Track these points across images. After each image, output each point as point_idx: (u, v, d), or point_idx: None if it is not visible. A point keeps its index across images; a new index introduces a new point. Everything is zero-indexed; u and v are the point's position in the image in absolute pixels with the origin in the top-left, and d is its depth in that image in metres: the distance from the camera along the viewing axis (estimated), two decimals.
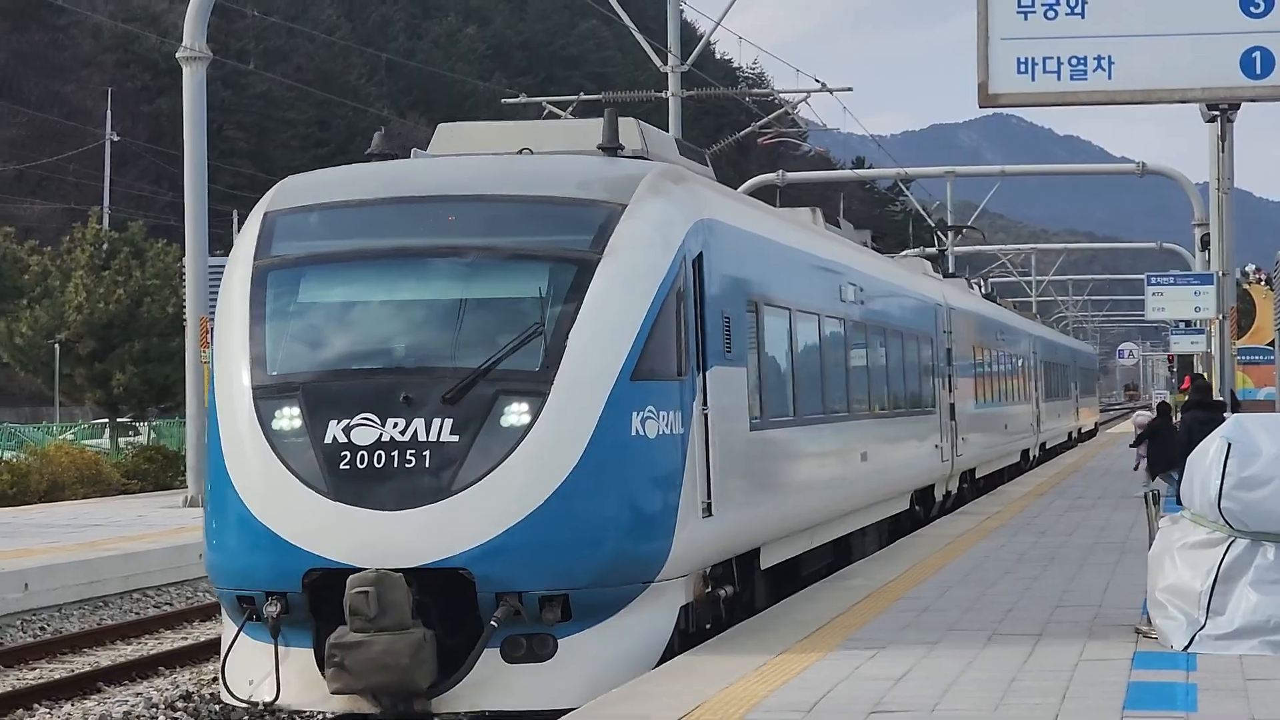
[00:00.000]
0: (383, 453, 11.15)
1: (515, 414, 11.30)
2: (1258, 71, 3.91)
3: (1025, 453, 44.14)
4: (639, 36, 29.26)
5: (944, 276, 37.14)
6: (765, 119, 44.57)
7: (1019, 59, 4.42)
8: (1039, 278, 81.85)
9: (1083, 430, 68.13)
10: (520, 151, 14.55)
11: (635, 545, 11.80)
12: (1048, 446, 51.06)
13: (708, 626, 13.88)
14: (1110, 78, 4.40)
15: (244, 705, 12.82)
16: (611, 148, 14.21)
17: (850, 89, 41.88)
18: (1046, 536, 23.97)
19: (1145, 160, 50.18)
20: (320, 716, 13.12)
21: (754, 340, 16.01)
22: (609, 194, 12.73)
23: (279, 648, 11.43)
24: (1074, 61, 4.42)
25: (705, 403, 13.21)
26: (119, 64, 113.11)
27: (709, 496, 13.12)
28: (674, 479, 12.33)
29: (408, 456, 11.14)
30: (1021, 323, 48.59)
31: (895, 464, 25.10)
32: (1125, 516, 25.94)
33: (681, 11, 29.91)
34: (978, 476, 34.03)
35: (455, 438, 11.17)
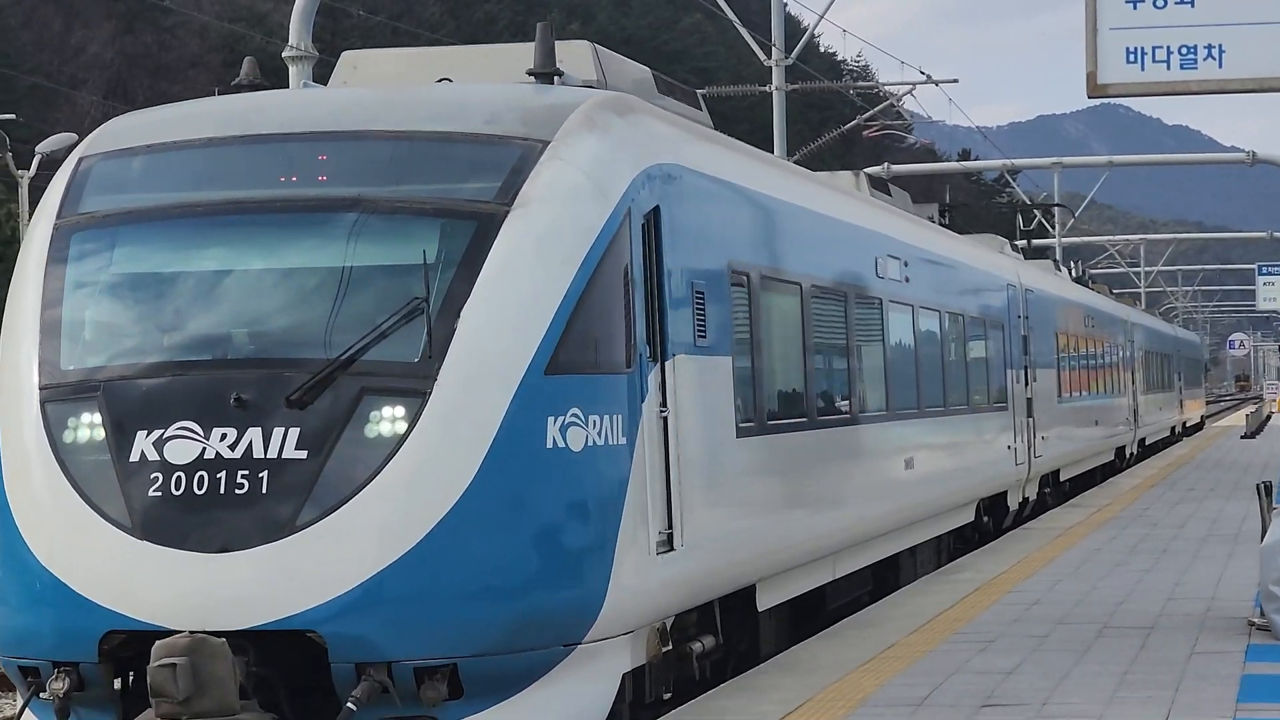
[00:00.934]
0: (205, 474, 8.56)
1: (385, 421, 8.76)
2: None
3: (1121, 450, 42.74)
4: (742, 30, 29.29)
5: (1025, 258, 35.22)
6: (870, 112, 44.76)
7: (1128, 48, 4.91)
8: (1148, 268, 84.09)
9: (1187, 424, 67.56)
10: (439, 83, 11.84)
11: (551, 596, 9.12)
12: (1147, 443, 50.39)
13: (666, 696, 11.23)
14: (1221, 66, 4.89)
15: None
16: (546, 73, 11.06)
17: (956, 80, 42.95)
18: (1158, 529, 24.52)
19: (1255, 149, 52.21)
20: None
21: (744, 322, 13.13)
22: (527, 128, 10.00)
23: None
24: (1184, 50, 4.92)
25: (664, 403, 10.56)
26: (225, 64, 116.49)
27: (669, 525, 10.44)
28: (610, 505, 9.58)
29: (239, 480, 8.52)
30: (1116, 308, 47.62)
31: (952, 471, 21.78)
32: (1238, 508, 26.62)
33: (785, 5, 30.39)
34: (1063, 479, 32.34)
35: (303, 454, 8.61)
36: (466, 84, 11.76)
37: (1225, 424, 77.34)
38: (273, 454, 8.66)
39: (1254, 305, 36.20)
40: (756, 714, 11.04)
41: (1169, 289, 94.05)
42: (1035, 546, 22.08)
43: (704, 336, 11.75)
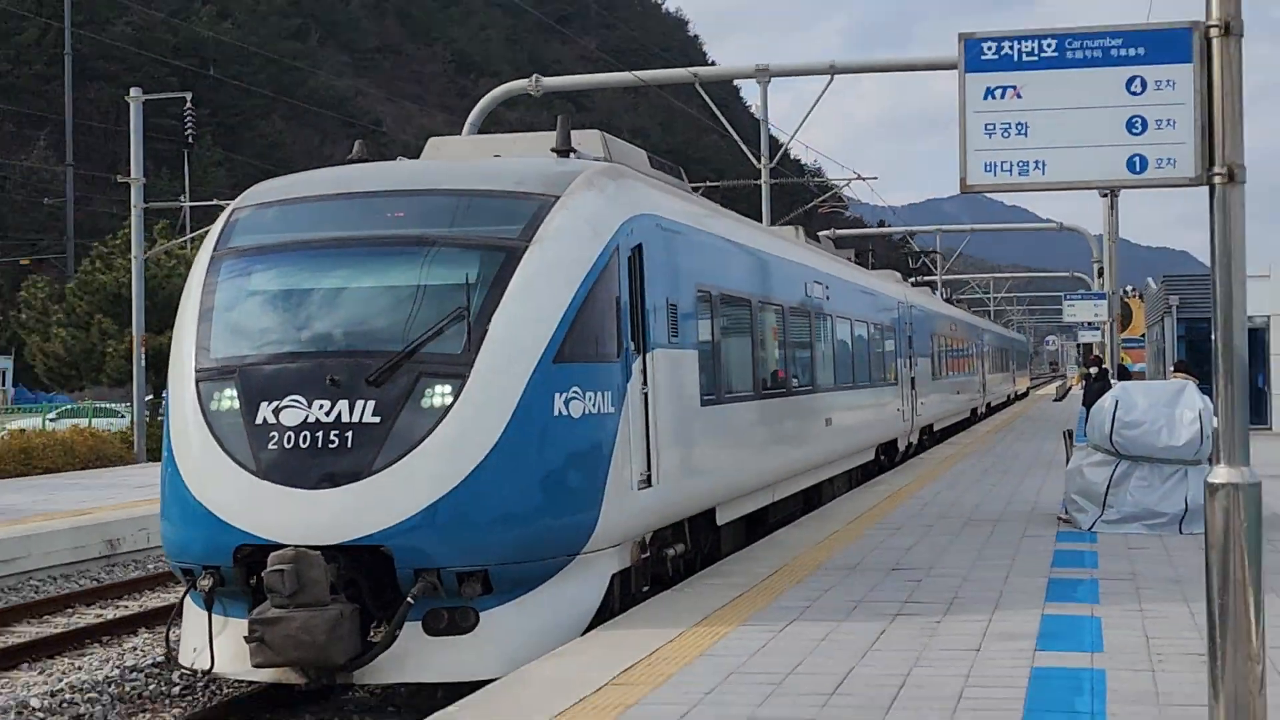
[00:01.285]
0: (308, 433, 10.30)
1: (436, 396, 10.43)
2: (1137, 170, 4.83)
3: (974, 410, 49.49)
4: (743, 146, 36.14)
5: (911, 284, 41.74)
6: (822, 196, 59.08)
7: (985, 163, 5.33)
8: (995, 294, 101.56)
9: (1017, 393, 78.17)
10: (492, 158, 14.04)
11: (557, 520, 10.80)
12: (992, 405, 57.39)
13: (645, 588, 12.77)
14: (1044, 174, 5.42)
15: (187, 672, 12.20)
16: (563, 150, 13.13)
17: (876, 177, 53.53)
18: (1000, 459, 28.55)
19: (1063, 221, 64.94)
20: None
21: (708, 325, 14.84)
22: (544, 187, 11.67)
23: (218, 618, 10.69)
24: (1020, 164, 5.37)
25: (645, 383, 12.16)
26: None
27: (648, 469, 12.04)
28: (601, 456, 11.26)
29: (331, 437, 10.26)
30: (972, 319, 55.50)
31: (858, 426, 24.67)
32: (1051, 445, 30.31)
33: (769, 129, 36.50)
34: (936, 430, 37.78)
35: (377, 419, 10.32)
36: (508, 158, 13.52)
37: (1042, 392, 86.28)
38: (355, 419, 10.29)
39: (1061, 318, 46.41)
40: (753, 574, 13.53)
41: (1008, 307, 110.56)
42: (924, 470, 25.77)
43: (676, 335, 13.20)
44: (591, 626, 10.95)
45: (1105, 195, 29.20)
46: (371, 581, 10.26)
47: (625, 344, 11.76)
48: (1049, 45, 5.84)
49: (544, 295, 10.99)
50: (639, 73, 36.29)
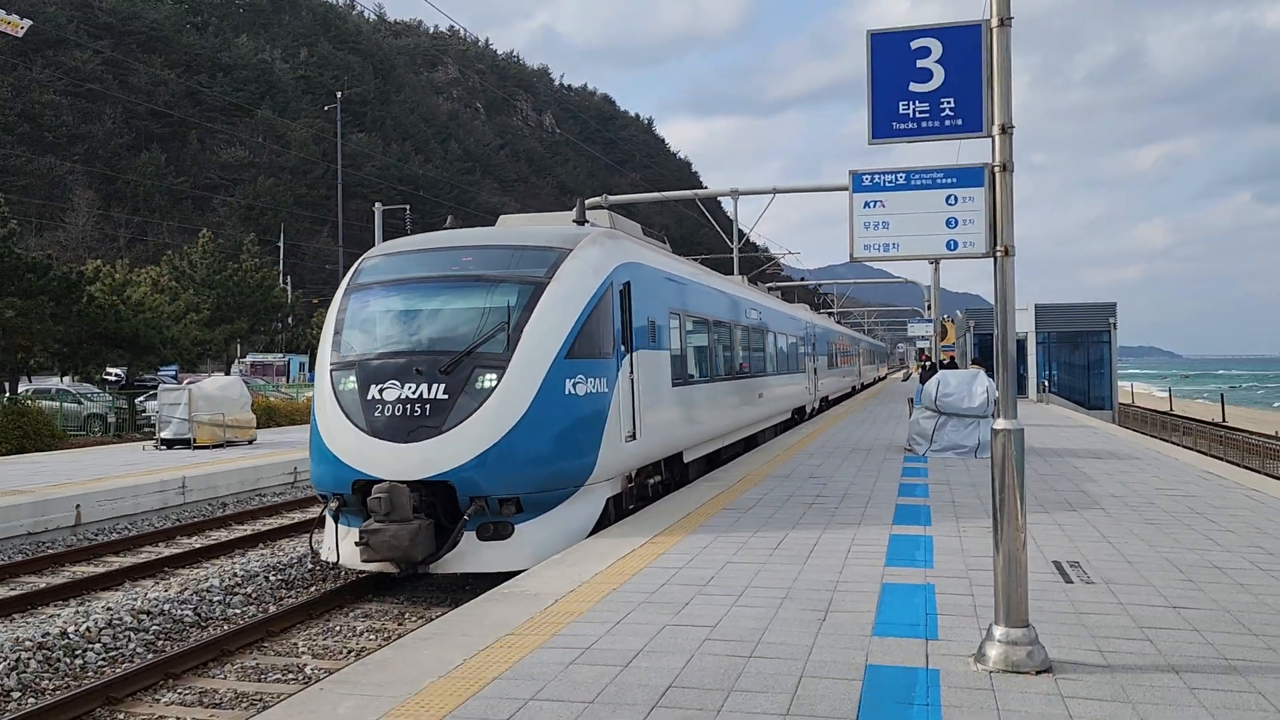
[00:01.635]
0: (401, 405, 9.36)
1: (485, 381, 9.42)
2: (953, 249, 4.73)
3: (854, 388, 48.04)
4: (722, 234, 35.06)
5: (816, 312, 40.45)
6: (768, 264, 60.96)
7: (864, 244, 5.16)
8: (868, 320, 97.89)
9: (880, 377, 76.02)
10: (532, 225, 12.85)
11: (567, 463, 9.72)
12: (865, 384, 55.92)
13: (630, 507, 11.43)
14: (898, 250, 5.24)
15: (325, 564, 11.19)
16: (580, 221, 12.06)
17: (799, 252, 57.72)
18: (869, 414, 27.27)
19: (906, 276, 63.55)
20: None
21: (677, 334, 13.47)
22: (563, 243, 10.61)
23: (341, 527, 9.86)
24: (883, 245, 5.22)
25: (632, 372, 10.97)
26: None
27: (633, 428, 10.90)
28: (598, 421, 10.12)
29: (416, 408, 9.32)
30: (853, 334, 53.40)
31: (781, 398, 22.85)
32: (900, 406, 30.19)
33: (738, 225, 34.48)
34: (830, 399, 35.68)
35: (446, 396, 9.34)
36: (545, 226, 12.20)
37: (895, 376, 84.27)
38: (432, 396, 9.28)
39: (906, 333, 48.59)
40: (726, 481, 13.17)
41: (876, 327, 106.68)
42: (824, 422, 24.48)
43: (654, 341, 12.00)
44: (593, 531, 9.97)
45: (932, 263, 28.66)
46: (445, 504, 9.32)
47: (617, 346, 10.63)
48: (901, 176, 5.79)
49: (559, 314, 9.91)
50: (664, 193, 36.46)
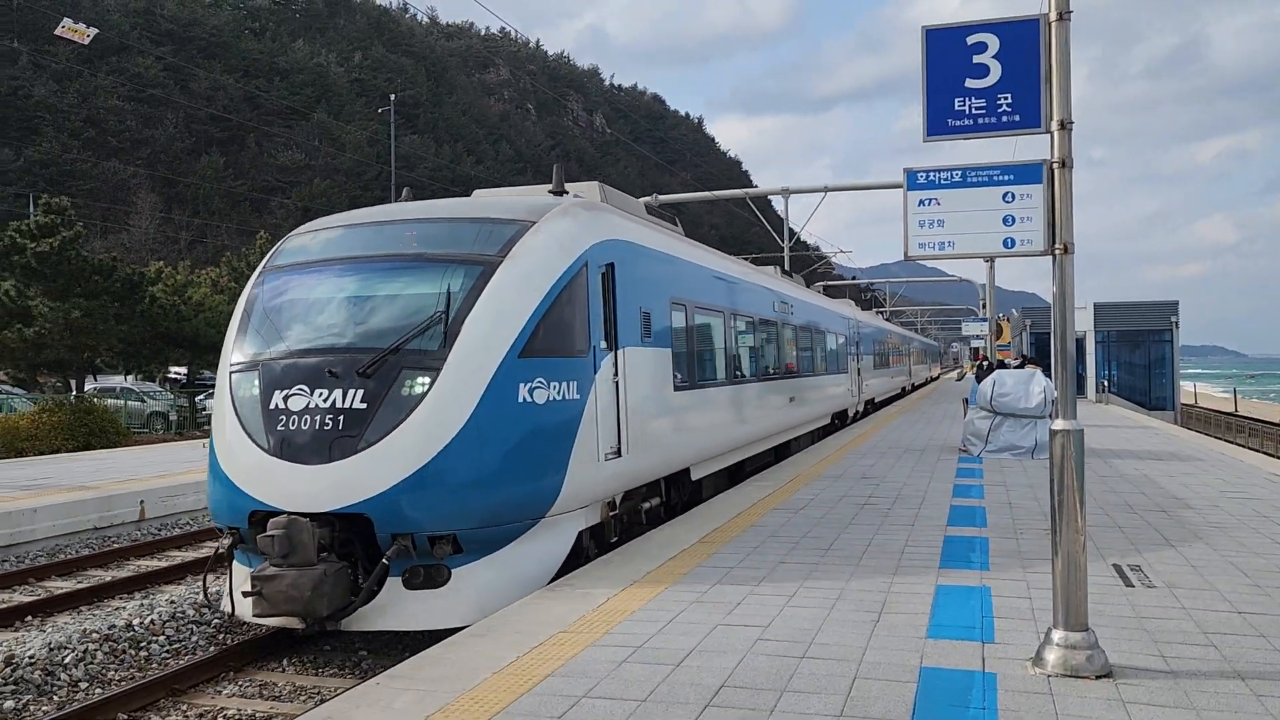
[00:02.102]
0: (309, 417, 7.48)
1: (415, 385, 7.51)
2: (1009, 247, 4.67)
3: (904, 389, 46.09)
4: (773, 233, 34.09)
5: (862, 309, 37.90)
6: (818, 263, 59.25)
7: (919, 242, 5.09)
8: (922, 319, 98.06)
9: (932, 377, 74.54)
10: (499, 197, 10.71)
11: (521, 489, 7.73)
12: (916, 385, 53.90)
13: (613, 540, 9.33)
14: (954, 249, 5.17)
15: (217, 615, 9.10)
16: (558, 191, 10.02)
17: (851, 251, 54.82)
18: (923, 415, 26.89)
19: (961, 275, 64.82)
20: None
21: (683, 328, 11.38)
22: (525, 215, 8.69)
23: (240, 569, 8.04)
24: (938, 243, 5.15)
25: (617, 374, 9.06)
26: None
27: (618, 442, 8.97)
28: (564, 435, 8.15)
29: (326, 421, 7.42)
30: (903, 331, 51.30)
31: (817, 401, 20.48)
32: (954, 406, 29.67)
33: (787, 222, 33.91)
34: (876, 402, 33.29)
35: (365, 405, 7.43)
36: (513, 196, 10.26)
37: (949, 376, 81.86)
38: (347, 405, 7.43)
39: (961, 332, 47.70)
40: (773, 483, 12.82)
41: (929, 325, 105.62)
42: (874, 423, 24.08)
43: (649, 336, 10.02)
44: (562, 572, 8.08)
45: (987, 262, 28.31)
46: (366, 542, 7.53)
47: (594, 342, 8.65)
48: (957, 174, 5.72)
49: (513, 301, 7.98)
50: (714, 192, 36.26)
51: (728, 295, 13.83)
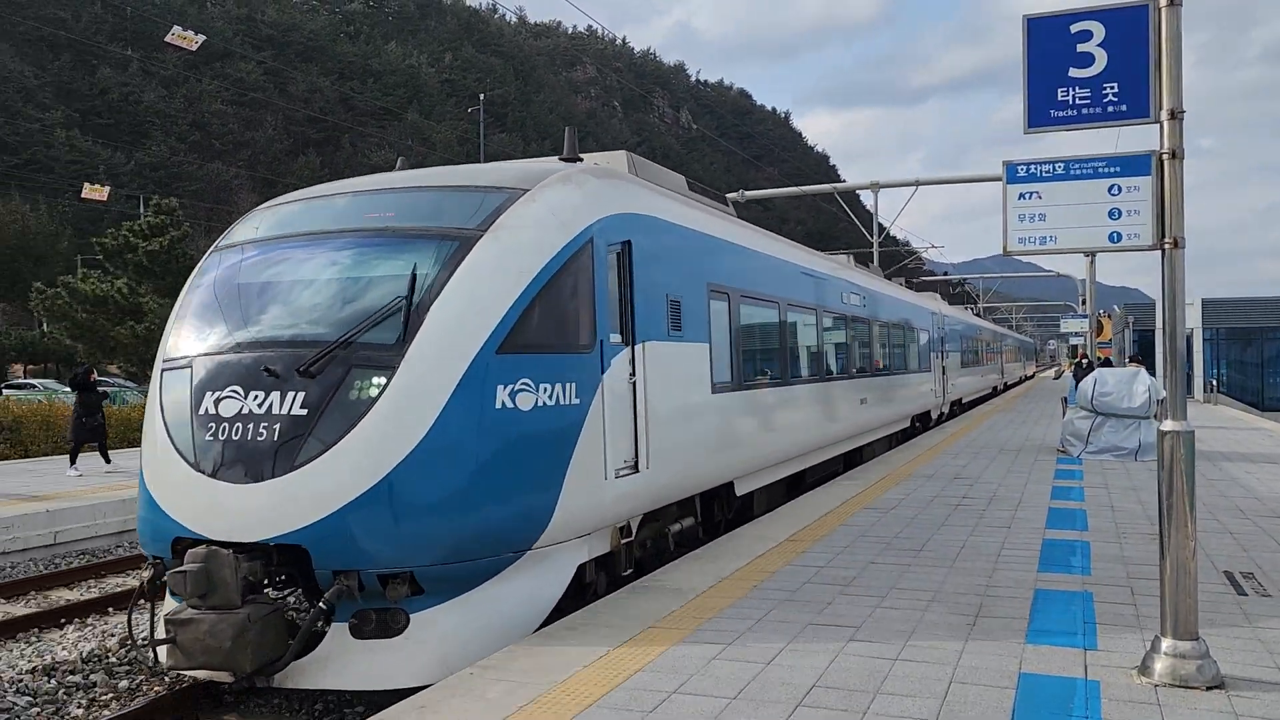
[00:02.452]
0: (241, 425, 6.18)
1: (365, 388, 6.14)
2: (1115, 241, 4.51)
3: (995, 388, 43.90)
4: (861, 229, 33.28)
5: (951, 304, 35.67)
6: (908, 259, 57.92)
7: (1018, 237, 4.99)
8: (1017, 315, 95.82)
9: (1026, 376, 71.74)
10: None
11: (499, 517, 6.29)
12: (1009, 384, 51.69)
13: (626, 574, 7.82)
14: (1055, 243, 5.06)
15: (142, 662, 7.53)
16: (570, 158, 8.33)
17: (943, 246, 55.23)
18: (1018, 414, 26.34)
19: (1058, 270, 61.44)
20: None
21: (723, 320, 9.80)
22: (517, 182, 7.23)
23: (169, 604, 6.63)
24: (1039, 238, 5.05)
25: (634, 373, 7.60)
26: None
27: (634, 454, 7.51)
28: (558, 448, 6.70)
29: (260, 430, 6.12)
30: (993, 327, 48.51)
31: (893, 402, 18.53)
32: (1051, 405, 29.16)
33: (876, 217, 33.28)
34: (964, 402, 31.76)
35: (304, 411, 6.09)
36: (511, 163, 8.63)
37: (1044, 375, 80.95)
38: (285, 411, 6.11)
39: (1058, 329, 46.46)
40: (861, 482, 12.54)
41: (1025, 322, 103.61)
42: (965, 422, 23.65)
43: (678, 329, 8.52)
44: (554, 617, 6.65)
45: (1088, 257, 27.58)
46: (308, 580, 6.15)
47: (601, 335, 7.21)
48: (1059, 166, 5.57)
49: (491, 284, 6.54)
50: (801, 187, 35.93)
51: (784, 283, 12.19)
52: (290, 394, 6.16)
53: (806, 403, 12.63)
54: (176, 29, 26.33)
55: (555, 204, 7.11)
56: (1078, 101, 5.28)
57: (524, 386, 6.50)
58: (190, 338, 6.88)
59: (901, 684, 4.96)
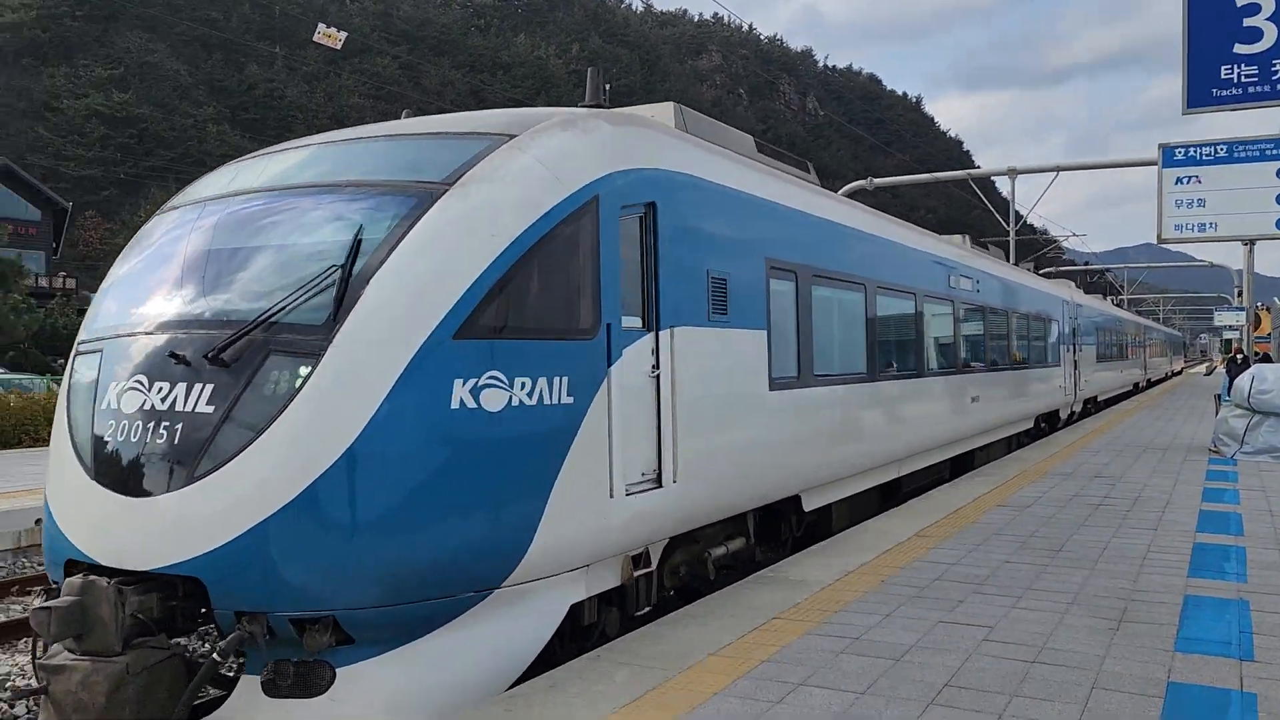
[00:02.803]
0: (141, 424, 4.96)
1: (282, 380, 4.83)
2: None
3: (1136, 385, 41.19)
4: (997, 216, 32.53)
5: (1086, 293, 33.18)
6: (1047, 247, 55.88)
7: (1174, 224, 4.70)
8: (1165, 308, 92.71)
9: (1172, 372, 67.48)
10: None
11: (454, 547, 4.93)
12: (1152, 380, 48.44)
13: (642, 613, 6.55)
14: (1216, 231, 4.73)
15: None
16: (594, 105, 6.90)
17: (1085, 235, 53.72)
18: (1164, 410, 25.21)
19: (1210, 260, 56.70)
20: None
21: (788, 303, 8.30)
22: (503, 128, 5.82)
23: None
24: (1199, 225, 4.75)
25: (656, 365, 6.26)
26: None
27: (658, 466, 6.24)
28: (541, 460, 5.32)
29: (161, 430, 4.88)
30: (1135, 319, 44.46)
31: (1013, 399, 16.68)
32: (1202, 402, 27.89)
33: (1013, 204, 32.61)
34: (1099, 400, 29.28)
35: (210, 408, 4.84)
36: (513, 110, 6.49)
37: (1193, 371, 76.69)
38: (189, 407, 4.89)
39: (1211, 322, 44.07)
40: (994, 479, 12.23)
41: (1173, 314, 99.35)
42: (1104, 420, 22.86)
43: (723, 313, 7.12)
44: (534, 671, 5.40)
45: (1246, 245, 26.79)
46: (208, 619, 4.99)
47: (607, 318, 5.81)
48: (1221, 149, 5.25)
49: (452, 252, 5.14)
50: (933, 174, 34.91)
51: (870, 262, 10.50)
52: (197, 386, 4.95)
53: (896, 402, 10.94)
54: (322, 27, 27.45)
55: (548, 154, 5.69)
56: (1244, 79, 4.98)
57: (492, 381, 5.11)
58: (107, 314, 5.77)
59: (1039, 687, 4.80)
